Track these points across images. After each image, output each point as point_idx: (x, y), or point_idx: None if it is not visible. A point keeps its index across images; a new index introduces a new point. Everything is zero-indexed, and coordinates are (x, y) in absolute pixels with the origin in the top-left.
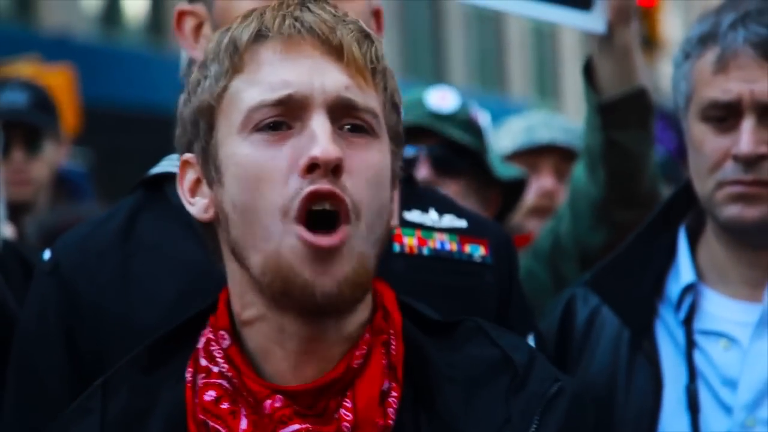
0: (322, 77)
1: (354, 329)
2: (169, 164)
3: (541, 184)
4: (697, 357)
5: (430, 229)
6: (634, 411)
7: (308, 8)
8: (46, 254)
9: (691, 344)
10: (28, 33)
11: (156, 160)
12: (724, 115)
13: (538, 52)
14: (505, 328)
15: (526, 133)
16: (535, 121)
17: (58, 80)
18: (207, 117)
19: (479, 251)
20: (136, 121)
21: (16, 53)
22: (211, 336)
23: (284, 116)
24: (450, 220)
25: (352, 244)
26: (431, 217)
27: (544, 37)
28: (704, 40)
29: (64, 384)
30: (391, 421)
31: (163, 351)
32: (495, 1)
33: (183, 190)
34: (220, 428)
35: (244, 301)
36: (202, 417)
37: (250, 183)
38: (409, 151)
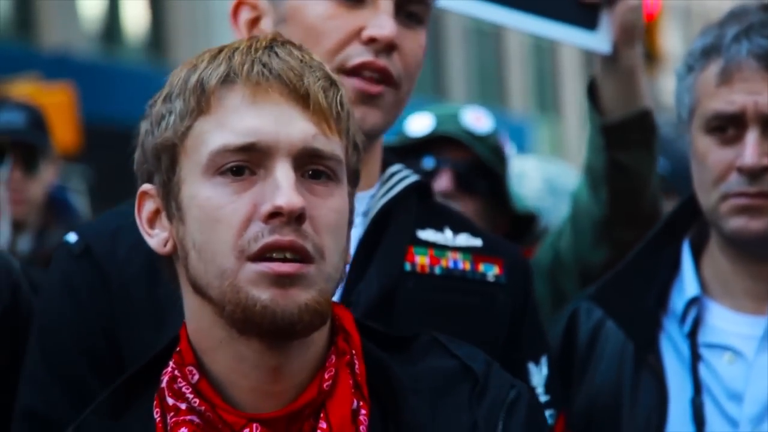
0: (288, 126)
1: (317, 355)
2: None
3: None
4: (702, 370)
5: (443, 248)
6: (640, 425)
7: (276, 53)
8: (72, 237)
9: (696, 357)
10: (29, 51)
11: None
12: (728, 127)
13: (538, 66)
14: (517, 348)
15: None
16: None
17: (58, 98)
18: (170, 154)
19: (493, 270)
20: (137, 138)
21: (16, 72)
22: (176, 373)
23: (248, 162)
24: (465, 239)
25: (314, 279)
26: (445, 236)
27: (543, 51)
28: (708, 53)
29: (97, 366)
30: None
31: (129, 394)
32: (500, 17)
33: (141, 220)
34: None
35: (205, 334)
36: None
37: (210, 225)
38: (428, 163)
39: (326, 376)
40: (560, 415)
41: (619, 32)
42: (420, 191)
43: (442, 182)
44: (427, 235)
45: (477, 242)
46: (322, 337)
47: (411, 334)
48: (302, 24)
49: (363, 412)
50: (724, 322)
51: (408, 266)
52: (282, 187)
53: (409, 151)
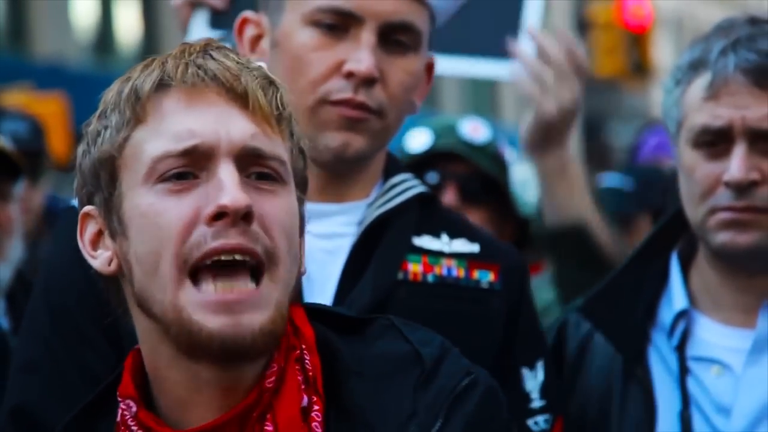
0: (228, 126)
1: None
2: None
3: None
4: (690, 384)
5: (437, 255)
6: None
7: (211, 55)
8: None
9: (684, 371)
10: (22, 61)
11: None
12: (716, 142)
13: None
14: (511, 353)
15: None
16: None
17: (51, 108)
18: (108, 168)
19: (488, 277)
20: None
21: (9, 81)
22: (123, 406)
23: (190, 166)
24: (461, 245)
25: (268, 295)
26: (441, 242)
27: None
28: (695, 67)
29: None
30: None
31: (86, 422)
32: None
33: (84, 243)
34: None
35: (156, 354)
36: None
37: (151, 233)
38: (432, 178)
39: (268, 374)
40: (557, 419)
41: (530, 135)
42: (424, 201)
43: (447, 197)
44: (422, 242)
45: (474, 248)
46: None
47: (369, 317)
48: (289, 51)
49: (316, 408)
50: (713, 335)
51: (401, 275)
52: (226, 186)
53: (411, 167)
